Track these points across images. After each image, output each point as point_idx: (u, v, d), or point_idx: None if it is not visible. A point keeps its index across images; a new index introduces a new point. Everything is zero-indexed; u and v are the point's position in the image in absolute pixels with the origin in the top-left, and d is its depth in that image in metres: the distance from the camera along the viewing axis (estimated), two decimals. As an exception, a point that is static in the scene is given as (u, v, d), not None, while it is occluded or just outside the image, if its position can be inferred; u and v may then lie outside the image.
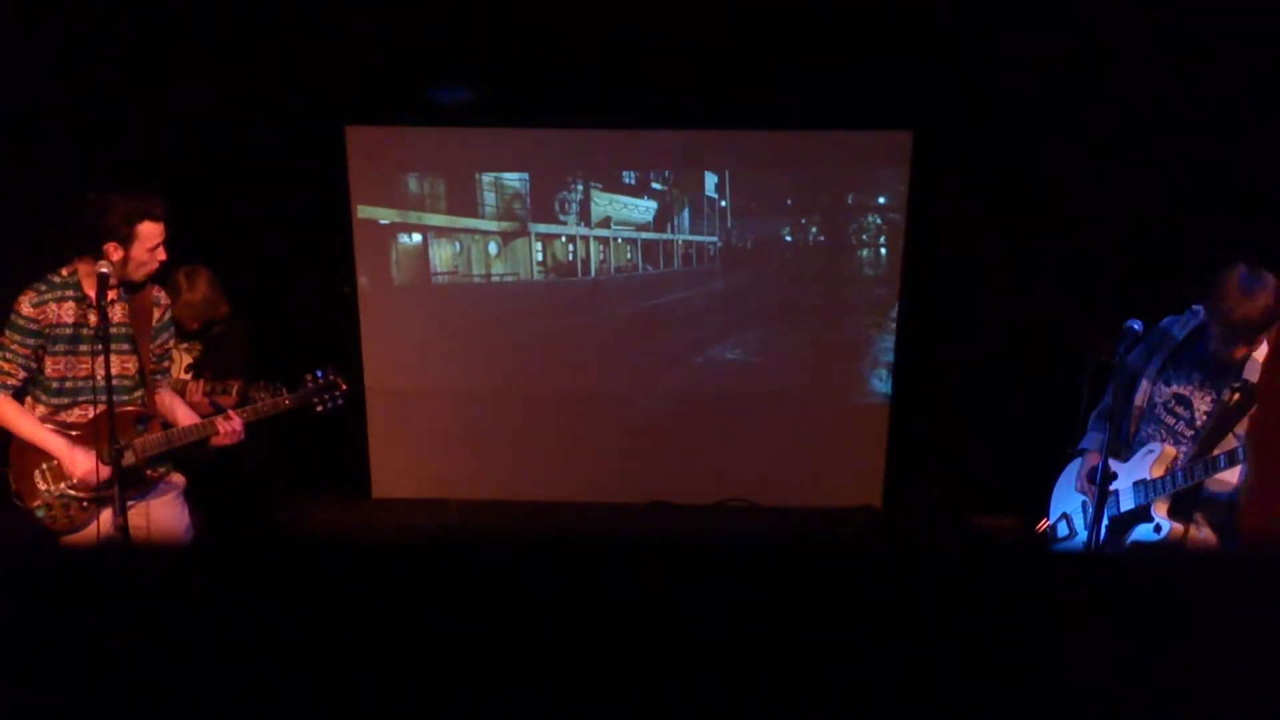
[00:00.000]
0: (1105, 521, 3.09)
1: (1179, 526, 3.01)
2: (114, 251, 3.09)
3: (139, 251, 3.12)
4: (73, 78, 4.42)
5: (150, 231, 3.11)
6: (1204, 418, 2.98)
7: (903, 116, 5.00)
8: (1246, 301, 2.80)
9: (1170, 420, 3.07)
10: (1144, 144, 4.50)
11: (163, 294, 3.31)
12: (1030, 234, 4.79)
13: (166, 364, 3.37)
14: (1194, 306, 3.09)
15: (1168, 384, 3.07)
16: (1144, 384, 3.10)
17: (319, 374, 3.43)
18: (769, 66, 4.80)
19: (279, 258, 5.10)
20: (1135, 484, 3.07)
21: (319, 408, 3.43)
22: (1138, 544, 3.06)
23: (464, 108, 5.02)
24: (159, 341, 3.26)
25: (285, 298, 5.07)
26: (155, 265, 3.17)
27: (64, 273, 3.10)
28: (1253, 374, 2.91)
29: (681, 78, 4.81)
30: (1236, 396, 2.90)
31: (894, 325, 5.30)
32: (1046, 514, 3.37)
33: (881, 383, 5.40)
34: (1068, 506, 3.29)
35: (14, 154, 4.16)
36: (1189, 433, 3.02)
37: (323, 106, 5.00)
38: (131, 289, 3.19)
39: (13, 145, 4.16)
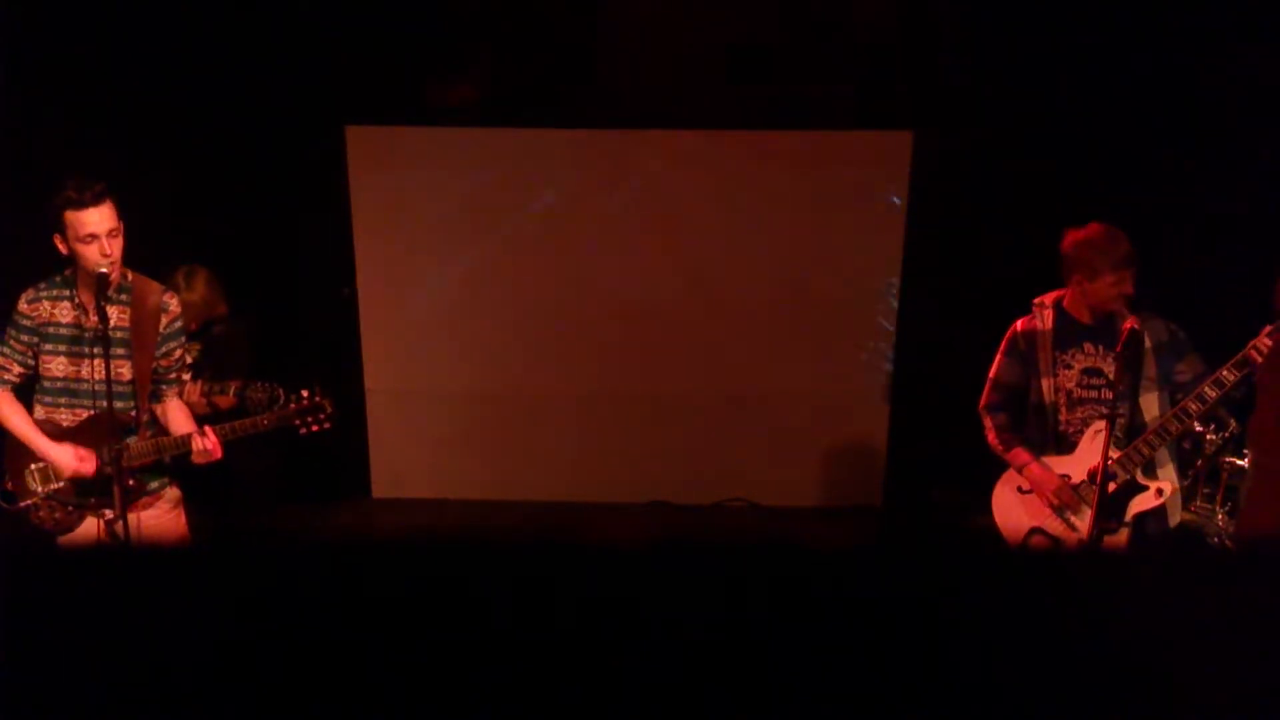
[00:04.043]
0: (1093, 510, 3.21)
1: (1168, 484, 3.23)
2: (60, 244, 2.93)
3: (74, 243, 2.90)
4: (66, 76, 4.39)
5: (76, 220, 2.87)
6: (1116, 374, 3.20)
7: (902, 116, 4.97)
8: None
9: (1092, 394, 3.28)
10: (1152, 143, 4.47)
11: (172, 300, 3.16)
12: (1031, 231, 4.66)
13: (175, 374, 3.21)
14: (1035, 300, 3.38)
15: (1068, 367, 3.29)
16: (1045, 382, 3.31)
17: (304, 395, 3.18)
18: (765, 66, 4.78)
19: (279, 257, 5.07)
20: (1102, 467, 3.16)
21: (301, 430, 3.16)
22: (1142, 515, 3.21)
23: (465, 108, 4.98)
24: (165, 349, 3.12)
25: (285, 297, 5.05)
26: (99, 259, 2.89)
27: (66, 273, 3.06)
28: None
29: (676, 75, 4.78)
30: (1121, 345, 3.12)
31: (894, 325, 5.28)
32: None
33: (882, 381, 5.38)
34: (1034, 522, 3.35)
35: (8, 154, 4.14)
36: (1109, 394, 3.22)
37: (322, 105, 4.96)
38: (132, 292, 3.07)
39: (8, 146, 4.14)
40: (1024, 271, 4.63)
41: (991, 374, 3.43)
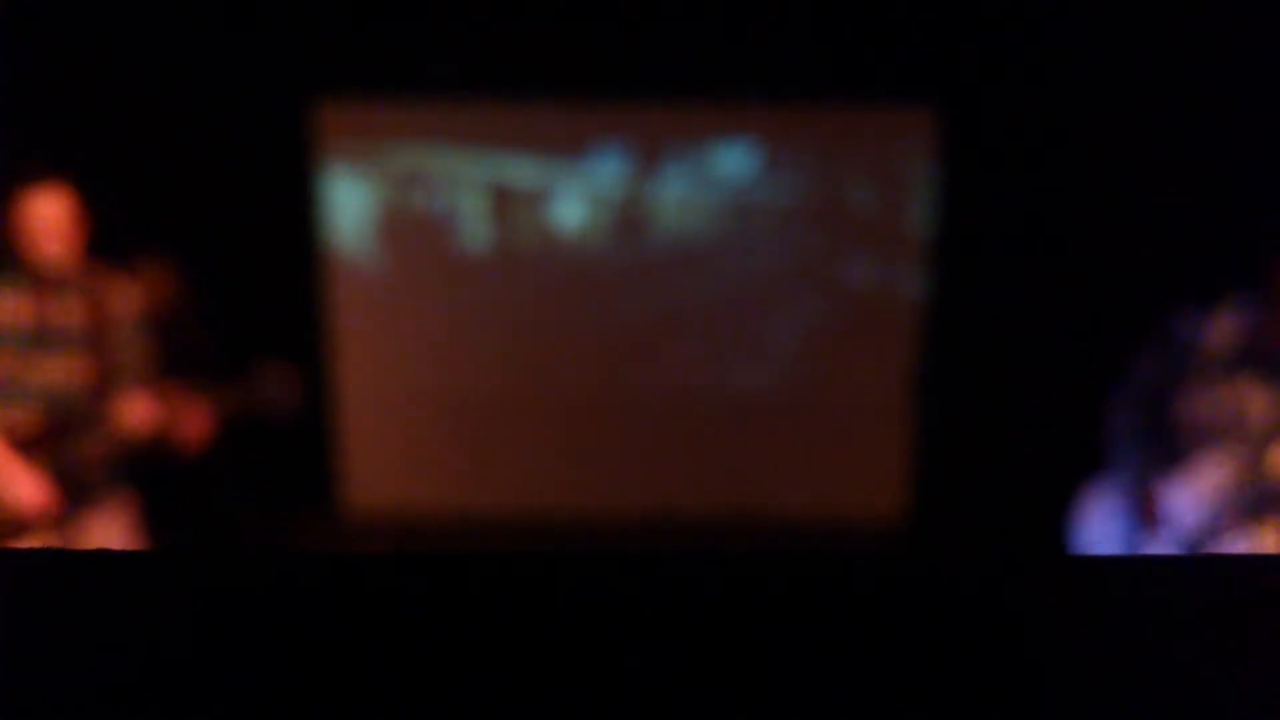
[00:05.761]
0: (1174, 546, 3.13)
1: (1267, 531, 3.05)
2: (14, 234, 2.96)
3: (24, 232, 2.94)
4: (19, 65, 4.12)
5: (25, 208, 2.94)
6: (1261, 414, 3.02)
7: (921, 87, 4.74)
8: None
9: (1226, 429, 3.09)
10: (1214, 125, 4.19)
11: (132, 294, 3.19)
12: (1070, 215, 4.55)
13: (133, 372, 3.16)
14: (1223, 305, 3.15)
15: (1218, 391, 3.09)
16: (1186, 396, 3.14)
17: (266, 371, 3.23)
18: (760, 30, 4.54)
19: (245, 247, 4.81)
20: (1199, 500, 3.07)
21: (267, 402, 3.21)
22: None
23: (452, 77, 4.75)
24: (124, 346, 3.14)
25: (251, 292, 4.80)
26: (48, 249, 2.95)
27: (22, 265, 3.04)
28: None
29: (664, 41, 4.53)
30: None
31: (915, 324, 5.10)
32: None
33: (904, 384, 5.19)
34: (1114, 531, 3.27)
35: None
36: (1245, 436, 3.04)
37: (289, 73, 4.73)
38: (88, 286, 3.08)
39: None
40: (1062, 263, 4.53)
41: (1139, 365, 3.31)
